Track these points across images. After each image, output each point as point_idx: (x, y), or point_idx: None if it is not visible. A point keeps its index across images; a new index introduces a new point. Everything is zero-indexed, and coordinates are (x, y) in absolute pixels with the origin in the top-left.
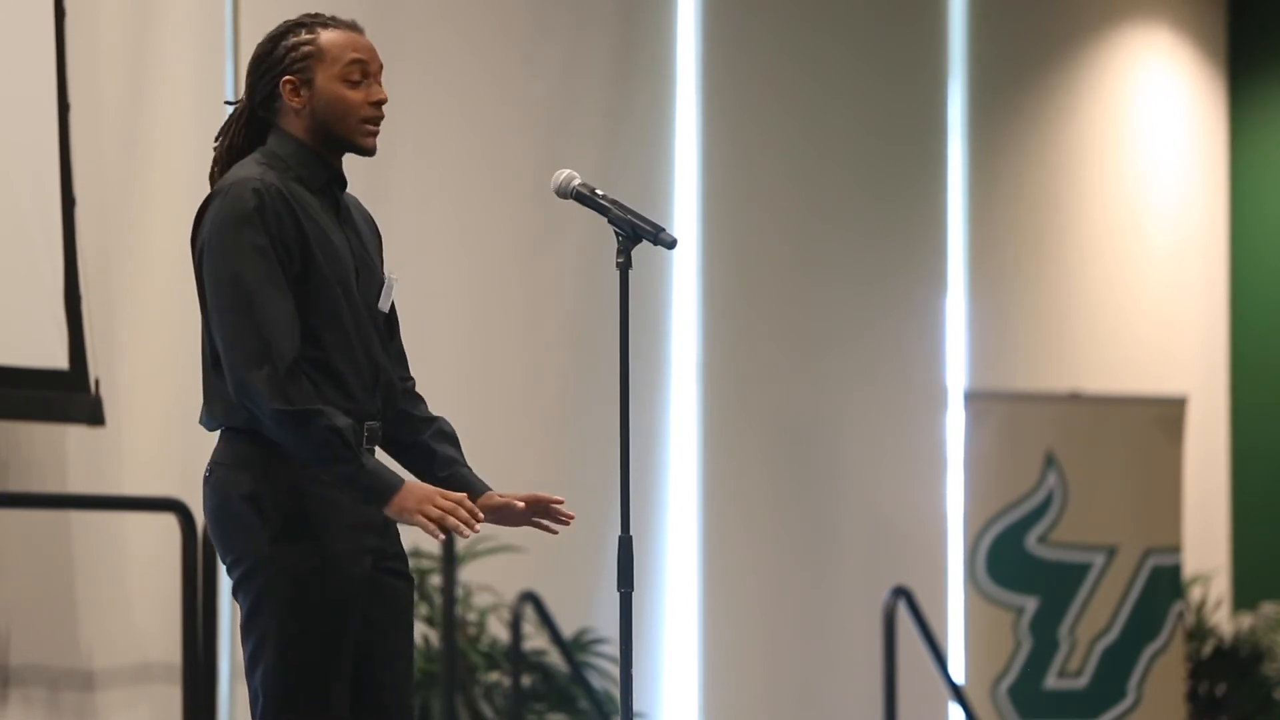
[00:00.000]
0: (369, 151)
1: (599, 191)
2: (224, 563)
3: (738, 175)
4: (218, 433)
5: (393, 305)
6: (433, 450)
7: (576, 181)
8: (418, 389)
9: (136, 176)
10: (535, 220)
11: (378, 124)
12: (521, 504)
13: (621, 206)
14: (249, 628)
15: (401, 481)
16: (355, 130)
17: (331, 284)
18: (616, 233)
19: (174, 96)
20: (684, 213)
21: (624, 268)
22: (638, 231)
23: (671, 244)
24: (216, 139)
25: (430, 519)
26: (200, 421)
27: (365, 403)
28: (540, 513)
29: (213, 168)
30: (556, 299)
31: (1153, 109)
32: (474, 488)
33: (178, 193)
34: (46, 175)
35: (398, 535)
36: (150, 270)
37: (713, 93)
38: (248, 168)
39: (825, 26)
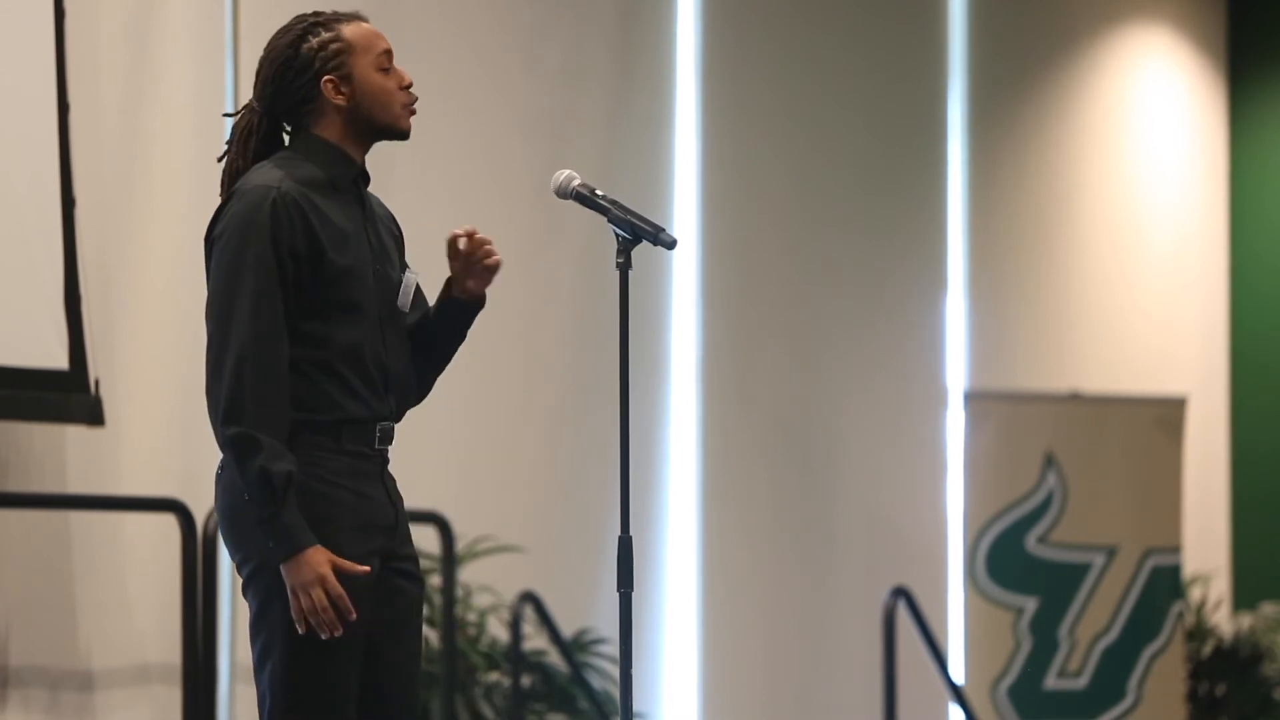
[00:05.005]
0: (408, 134)
1: (599, 192)
2: (234, 561)
3: (738, 175)
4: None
5: (423, 297)
6: (429, 318)
7: (576, 182)
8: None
9: (136, 176)
10: (535, 220)
11: (414, 105)
12: (461, 243)
13: (621, 207)
14: (257, 626)
15: (305, 547)
16: (399, 115)
17: (345, 286)
18: (616, 233)
19: (174, 96)
20: (684, 213)
21: (624, 268)
22: (638, 232)
23: (671, 244)
24: (225, 151)
25: (302, 608)
26: None
27: (375, 404)
28: (474, 258)
29: (224, 178)
30: (556, 299)
31: (1153, 109)
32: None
33: (178, 193)
34: (46, 175)
35: (408, 536)
36: (150, 270)
37: (713, 93)
38: (267, 173)
39: (825, 27)
